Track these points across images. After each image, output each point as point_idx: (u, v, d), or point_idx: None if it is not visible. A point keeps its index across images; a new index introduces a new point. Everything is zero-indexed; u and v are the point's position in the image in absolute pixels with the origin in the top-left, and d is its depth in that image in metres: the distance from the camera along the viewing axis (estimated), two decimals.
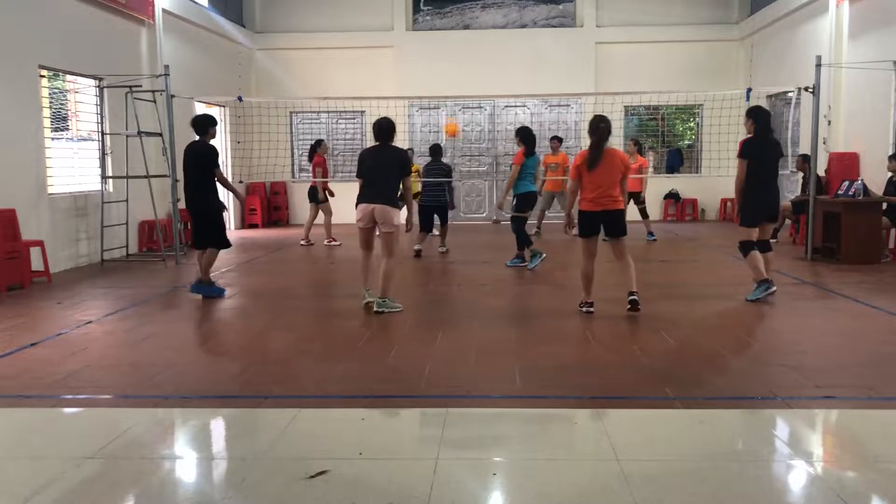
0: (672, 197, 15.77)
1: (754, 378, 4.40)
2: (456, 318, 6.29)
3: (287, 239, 12.80)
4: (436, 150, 10.61)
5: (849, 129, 11.20)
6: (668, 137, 16.22)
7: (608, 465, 3.09)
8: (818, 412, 3.94)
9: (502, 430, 3.67)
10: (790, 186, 12.82)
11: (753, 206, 6.72)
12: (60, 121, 10.03)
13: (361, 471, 3.10)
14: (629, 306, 6.04)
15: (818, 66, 9.48)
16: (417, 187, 10.57)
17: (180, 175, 7.40)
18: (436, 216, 10.42)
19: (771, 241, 7.24)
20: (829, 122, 11.26)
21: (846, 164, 10.78)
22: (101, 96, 10.17)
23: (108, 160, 10.25)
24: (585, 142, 6.25)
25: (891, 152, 9.58)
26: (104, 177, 10.14)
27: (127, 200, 10.21)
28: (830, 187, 10.24)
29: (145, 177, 10.00)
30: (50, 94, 9.54)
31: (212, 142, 7.21)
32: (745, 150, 6.71)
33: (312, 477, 3.00)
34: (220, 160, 7.34)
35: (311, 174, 11.92)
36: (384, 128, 6.41)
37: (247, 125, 13.91)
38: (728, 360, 4.86)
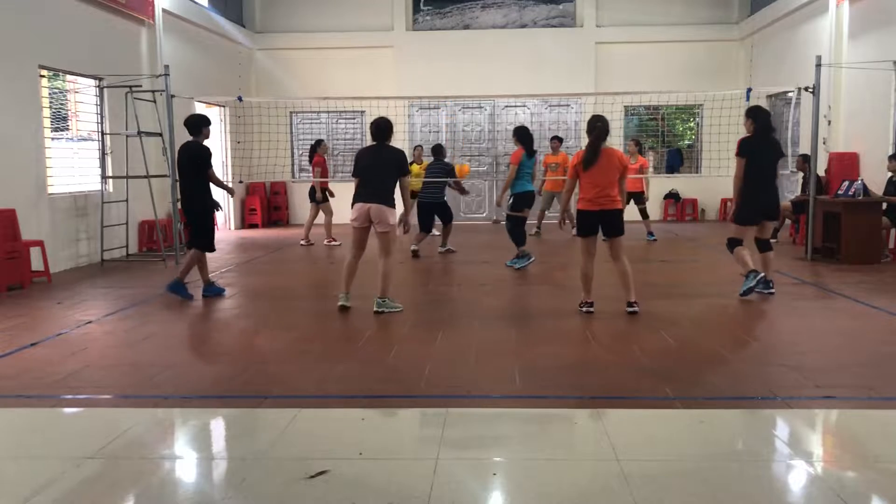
0: (672, 197, 15.77)
1: (754, 378, 4.40)
2: (456, 318, 6.29)
3: (287, 239, 12.80)
4: (438, 150, 10.68)
5: (849, 129, 11.20)
6: (668, 137, 16.22)
7: (608, 465, 3.09)
8: (818, 412, 3.94)
9: (502, 430, 3.67)
10: (790, 186, 12.82)
11: (750, 205, 6.75)
12: (60, 121, 10.03)
13: (361, 471, 3.10)
14: (628, 311, 6.09)
15: (818, 66, 9.48)
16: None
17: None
18: (437, 217, 10.41)
19: (771, 241, 7.25)
20: (829, 122, 11.25)
21: (846, 164, 10.78)
22: (101, 96, 10.17)
23: (108, 160, 10.25)
24: (585, 142, 6.24)
25: (891, 152, 9.58)
26: (104, 177, 10.14)
27: (127, 200, 10.21)
28: (830, 187, 10.24)
29: (145, 177, 10.01)
30: (50, 94, 9.54)
31: (208, 142, 7.22)
32: (743, 148, 6.74)
33: (312, 477, 3.00)
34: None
35: (311, 174, 11.92)
36: (382, 127, 6.41)
37: (247, 125, 13.91)
38: (728, 359, 4.86)
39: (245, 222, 15.19)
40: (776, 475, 3.11)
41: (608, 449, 3.26)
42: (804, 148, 11.32)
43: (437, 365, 4.72)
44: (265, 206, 15.54)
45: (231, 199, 14.13)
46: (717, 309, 6.53)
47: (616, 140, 13.99)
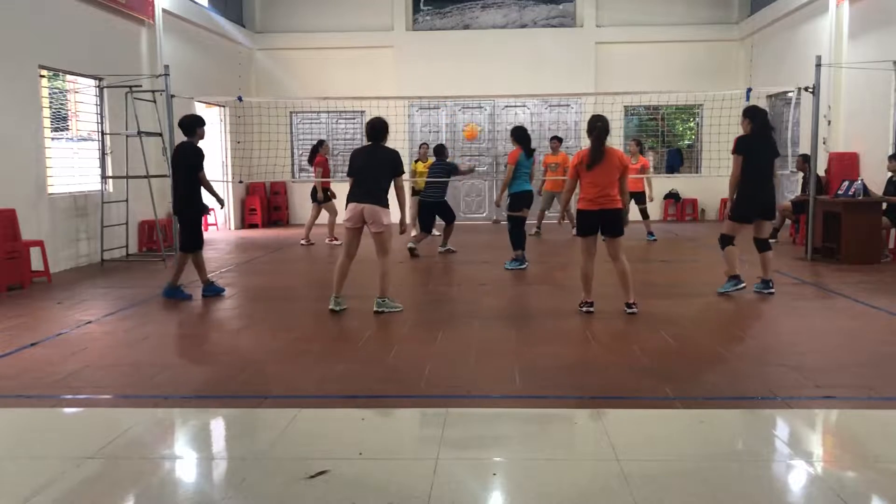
0: (672, 197, 15.77)
1: (754, 378, 4.40)
2: (456, 318, 6.29)
3: (287, 239, 12.79)
4: (440, 150, 10.68)
5: (849, 129, 11.20)
6: (668, 137, 16.22)
7: (608, 465, 3.09)
8: (818, 412, 3.94)
9: (502, 430, 3.67)
10: (790, 186, 12.82)
11: (747, 203, 6.77)
12: (60, 121, 10.03)
13: (361, 471, 3.10)
14: (627, 313, 6.10)
15: (818, 66, 9.48)
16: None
17: None
18: (439, 217, 10.40)
19: (771, 241, 7.26)
20: (829, 122, 11.25)
21: (846, 164, 10.78)
22: (101, 96, 10.17)
23: (108, 160, 10.25)
24: (585, 142, 6.25)
25: (891, 152, 9.58)
26: (104, 177, 10.14)
27: (127, 200, 10.21)
28: (830, 187, 10.24)
29: (145, 177, 10.00)
30: (50, 94, 9.54)
31: (204, 143, 7.24)
32: (740, 145, 6.77)
33: (312, 477, 3.00)
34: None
35: (312, 174, 11.92)
36: (376, 127, 6.41)
37: (247, 125, 13.91)
38: (728, 359, 4.86)
39: (245, 222, 15.19)
40: (776, 475, 3.11)
41: (608, 449, 3.26)
42: (804, 148, 11.31)
43: (437, 365, 4.72)
44: (265, 206, 15.54)
45: (231, 200, 14.16)
46: (717, 309, 6.53)
47: (616, 140, 13.99)
